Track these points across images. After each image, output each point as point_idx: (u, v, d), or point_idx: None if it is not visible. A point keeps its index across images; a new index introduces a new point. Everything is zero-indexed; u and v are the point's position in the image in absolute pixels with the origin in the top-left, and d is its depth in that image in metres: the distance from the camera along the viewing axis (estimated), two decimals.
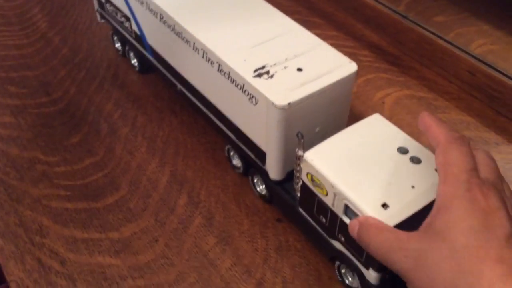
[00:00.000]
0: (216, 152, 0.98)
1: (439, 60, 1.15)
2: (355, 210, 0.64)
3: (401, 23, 1.21)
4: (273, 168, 0.79)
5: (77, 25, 1.31)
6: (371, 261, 0.65)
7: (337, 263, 0.74)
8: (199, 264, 0.81)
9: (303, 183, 0.72)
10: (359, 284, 0.71)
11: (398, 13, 1.22)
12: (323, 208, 0.69)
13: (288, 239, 0.84)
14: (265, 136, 0.76)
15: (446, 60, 1.13)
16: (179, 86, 0.97)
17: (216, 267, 0.81)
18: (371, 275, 0.66)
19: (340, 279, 0.75)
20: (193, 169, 0.95)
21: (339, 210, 0.67)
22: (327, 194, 0.67)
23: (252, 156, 0.83)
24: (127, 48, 1.13)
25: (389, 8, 1.24)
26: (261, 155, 0.80)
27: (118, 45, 1.18)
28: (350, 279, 0.74)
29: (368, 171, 0.66)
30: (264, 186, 0.86)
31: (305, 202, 0.74)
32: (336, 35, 1.29)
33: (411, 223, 0.61)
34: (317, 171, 0.67)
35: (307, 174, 0.69)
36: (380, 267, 0.64)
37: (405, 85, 1.14)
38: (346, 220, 0.66)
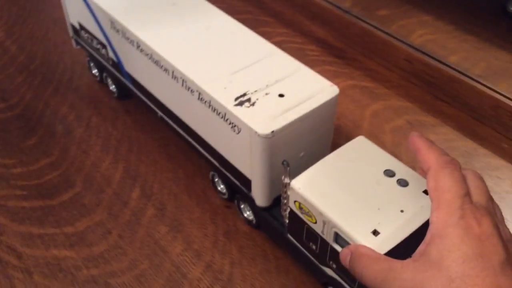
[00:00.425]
0: (169, 147, 1.02)
1: (380, 51, 1.21)
2: (346, 238, 0.63)
3: (345, 18, 1.27)
4: (259, 195, 0.78)
5: (33, 33, 1.35)
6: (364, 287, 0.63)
7: None
8: (151, 251, 0.85)
9: (291, 210, 0.70)
10: None
11: (341, 9, 1.28)
12: (313, 236, 0.68)
13: (236, 223, 0.89)
14: (250, 164, 0.75)
15: (386, 51, 1.20)
16: (160, 113, 0.95)
17: (167, 253, 0.85)
18: None
19: None
20: (146, 164, 0.99)
21: (329, 238, 0.65)
22: (316, 222, 0.66)
23: (238, 183, 0.81)
24: (104, 74, 1.11)
25: (333, 5, 1.30)
26: (247, 182, 0.78)
27: (95, 71, 1.15)
28: None
29: (356, 196, 0.65)
30: (251, 212, 0.85)
31: (294, 229, 0.73)
32: (286, 32, 1.34)
33: (403, 248, 0.61)
34: (305, 200, 0.66)
35: (294, 202, 0.68)
36: None
37: (349, 76, 1.20)
38: (337, 247, 0.65)
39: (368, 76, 1.20)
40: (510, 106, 1.01)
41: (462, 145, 1.03)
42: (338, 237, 0.64)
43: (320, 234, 0.67)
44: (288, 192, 0.69)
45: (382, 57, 1.21)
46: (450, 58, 1.14)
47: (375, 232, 0.61)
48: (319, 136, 0.78)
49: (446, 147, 1.01)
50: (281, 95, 0.74)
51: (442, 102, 1.11)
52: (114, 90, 1.11)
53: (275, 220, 0.78)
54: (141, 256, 0.85)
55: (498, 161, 0.99)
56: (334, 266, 0.68)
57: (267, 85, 0.76)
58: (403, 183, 0.67)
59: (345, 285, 0.68)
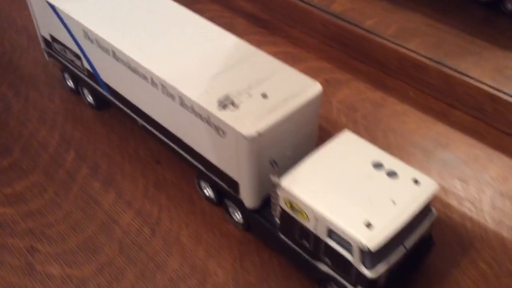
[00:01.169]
0: (104, 115, 1.09)
1: (302, 20, 1.30)
2: (339, 233, 0.64)
3: None
4: (248, 197, 0.77)
5: None
6: (360, 282, 0.66)
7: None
8: (85, 204, 0.92)
9: (282, 210, 0.70)
10: None
11: None
12: (306, 233, 0.69)
13: (166, 176, 0.97)
14: (237, 166, 0.74)
15: (307, 19, 1.29)
16: (140, 122, 0.94)
17: (100, 204, 0.92)
18: None
19: None
20: (81, 131, 1.06)
21: (322, 234, 0.66)
22: (308, 219, 0.67)
23: (225, 186, 0.81)
24: (80, 85, 1.10)
25: None
26: (234, 185, 0.78)
27: (69, 82, 1.12)
28: None
29: (347, 191, 0.66)
30: (240, 216, 0.84)
31: (286, 228, 0.73)
32: (216, 8, 1.43)
33: (397, 238, 0.64)
34: (295, 198, 0.66)
35: (285, 201, 0.69)
36: (370, 284, 0.66)
37: (274, 44, 1.29)
38: (331, 243, 0.66)
39: (291, 43, 1.29)
40: (413, 58, 1.11)
41: (372, 96, 1.12)
42: (331, 232, 0.65)
43: (313, 231, 0.67)
44: (278, 192, 0.69)
45: (304, 25, 1.30)
46: (366, 22, 1.24)
47: (369, 225, 0.63)
48: (305, 133, 0.78)
49: (359, 99, 1.12)
50: (264, 96, 0.73)
51: (356, 60, 1.21)
52: (92, 101, 1.09)
53: (266, 221, 0.77)
54: (75, 208, 0.91)
55: (404, 107, 1.09)
56: (329, 261, 0.69)
57: (249, 86, 0.75)
58: (392, 174, 0.68)
59: (340, 279, 0.69)
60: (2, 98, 1.14)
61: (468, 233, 0.85)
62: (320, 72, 1.19)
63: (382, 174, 0.70)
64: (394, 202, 0.66)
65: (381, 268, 0.66)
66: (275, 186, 0.71)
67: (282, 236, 0.76)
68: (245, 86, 0.75)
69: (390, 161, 0.72)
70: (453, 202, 0.90)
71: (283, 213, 0.73)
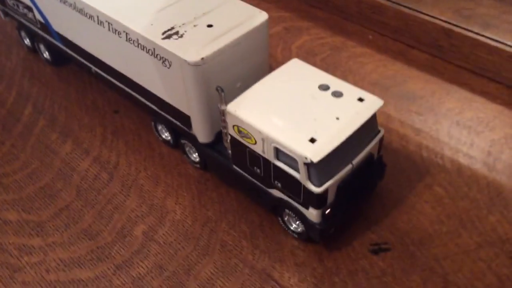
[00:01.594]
0: (62, 70, 1.07)
1: None
2: (285, 151, 0.64)
3: None
4: (200, 131, 0.77)
5: None
6: (309, 200, 0.67)
7: (280, 218, 0.76)
8: (42, 154, 0.91)
9: (232, 137, 0.71)
10: (304, 227, 0.72)
11: None
12: (255, 158, 0.70)
13: (124, 124, 0.96)
14: (186, 99, 0.74)
15: None
16: (94, 68, 0.93)
17: (57, 153, 0.91)
18: (312, 214, 0.68)
19: (286, 228, 0.76)
20: (39, 86, 1.05)
21: (270, 156, 0.67)
22: (256, 143, 0.67)
23: (178, 123, 0.81)
24: (36, 42, 1.08)
25: None
26: (186, 120, 0.78)
27: (27, 40, 1.12)
28: (294, 225, 0.74)
29: (292, 111, 0.67)
30: (196, 154, 0.85)
31: (237, 157, 0.74)
32: None
33: (341, 151, 0.65)
34: (242, 121, 0.67)
35: (233, 126, 0.69)
36: (319, 204, 0.67)
37: None
38: (279, 164, 0.67)
39: None
40: (371, 0, 1.11)
41: (332, 40, 1.12)
42: (278, 153, 0.66)
43: (262, 154, 0.68)
44: (226, 119, 0.69)
45: None
46: None
47: (312, 140, 0.63)
48: (254, 64, 0.77)
49: (318, 44, 1.12)
50: (209, 26, 0.73)
51: (315, 8, 1.21)
52: (48, 57, 1.08)
53: (219, 155, 0.78)
54: (32, 158, 0.91)
55: (363, 50, 1.10)
56: (279, 184, 0.70)
57: (194, 18, 0.75)
58: (337, 94, 0.69)
59: (292, 202, 0.70)
60: None
61: (424, 161, 0.86)
62: (279, 21, 1.19)
63: (327, 95, 0.70)
64: (338, 119, 0.67)
65: (328, 184, 0.66)
66: (222, 113, 0.71)
67: (236, 167, 0.77)
68: (191, 18, 0.75)
69: (337, 83, 0.72)
70: (410, 133, 0.91)
71: (233, 140, 0.73)
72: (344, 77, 1.02)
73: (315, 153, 0.63)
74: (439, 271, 0.72)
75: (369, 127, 0.70)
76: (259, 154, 0.70)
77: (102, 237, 0.79)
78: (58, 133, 0.95)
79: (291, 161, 0.66)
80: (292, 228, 0.76)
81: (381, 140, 0.73)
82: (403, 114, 0.94)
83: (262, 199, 0.77)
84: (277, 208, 0.75)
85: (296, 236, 0.76)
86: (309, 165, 0.64)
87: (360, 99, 0.69)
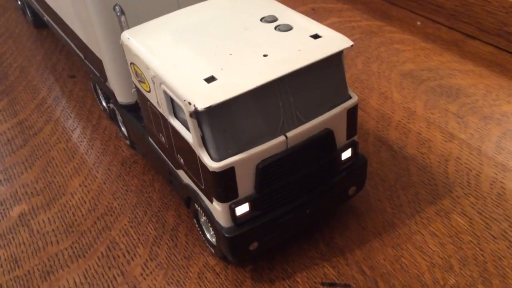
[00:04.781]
0: (41, 33, 0.93)
1: None
2: (173, 96, 0.42)
3: None
4: (115, 83, 0.57)
5: None
6: (209, 185, 0.43)
7: (195, 220, 0.52)
8: None
9: (135, 86, 0.51)
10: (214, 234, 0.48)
11: None
12: (157, 118, 0.48)
13: (73, 90, 0.78)
14: (92, 29, 0.56)
15: None
16: (46, 17, 0.80)
17: None
18: (216, 210, 0.44)
19: (203, 236, 0.52)
20: (9, 46, 0.91)
21: (165, 110, 0.45)
22: (150, 90, 0.47)
23: (97, 73, 0.63)
24: (23, 2, 0.97)
25: None
26: (101, 67, 0.59)
27: (20, 2, 1.01)
28: (210, 231, 0.49)
29: (203, 45, 0.45)
30: (124, 129, 0.65)
31: (147, 119, 0.52)
32: None
33: (263, 110, 0.42)
34: (133, 53, 0.47)
35: (131, 65, 0.49)
36: (223, 192, 0.42)
37: None
38: (176, 124, 0.45)
39: None
40: None
41: (366, 24, 0.86)
42: (174, 104, 0.44)
43: (158, 108, 0.47)
44: (125, 53, 0.50)
45: None
46: None
47: (210, 79, 0.40)
48: None
49: (347, 27, 0.87)
50: None
51: None
52: (30, 18, 0.95)
53: (137, 121, 0.57)
54: None
55: (403, 36, 0.82)
56: (182, 160, 0.48)
57: None
58: (283, 28, 0.46)
59: (198, 190, 0.47)
60: None
61: (448, 177, 0.56)
62: (308, 1, 0.95)
63: (268, 28, 0.45)
64: (265, 56, 0.41)
65: (236, 158, 0.40)
66: (122, 45, 0.49)
67: (149, 139, 0.54)
68: None
69: (292, 18, 0.47)
70: (437, 139, 0.61)
71: (138, 93, 0.50)
72: (366, 64, 0.76)
73: (207, 97, 0.38)
74: None
75: (325, 82, 0.43)
76: (157, 109, 0.47)
77: None
78: None
79: (182, 113, 0.42)
80: (208, 236, 0.50)
81: (353, 112, 0.45)
82: (434, 113, 0.65)
83: (175, 187, 0.53)
84: (189, 202, 0.50)
85: (212, 250, 0.50)
86: (198, 117, 0.39)
87: (315, 36, 0.43)
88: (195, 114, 0.39)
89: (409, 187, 0.55)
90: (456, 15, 0.80)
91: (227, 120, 0.40)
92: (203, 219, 0.49)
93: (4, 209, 0.58)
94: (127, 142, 0.64)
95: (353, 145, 0.47)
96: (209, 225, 0.47)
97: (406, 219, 0.52)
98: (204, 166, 0.41)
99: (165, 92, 0.43)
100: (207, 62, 0.42)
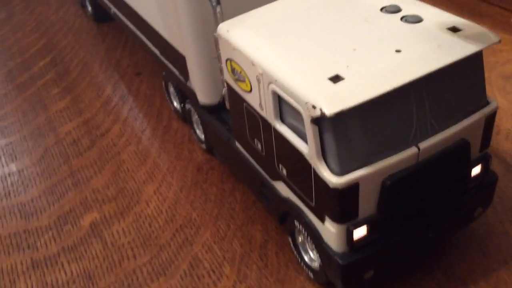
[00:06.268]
0: (102, 27, 0.89)
1: None
2: (287, 98, 0.35)
3: None
4: (199, 83, 0.52)
5: None
6: (324, 203, 0.37)
7: (290, 239, 0.45)
8: (29, 108, 0.71)
9: (228, 87, 0.45)
10: (320, 260, 0.41)
11: None
12: (255, 122, 0.42)
13: (140, 88, 0.73)
14: (177, 24, 0.50)
15: None
16: (113, 9, 0.76)
17: (47, 109, 0.70)
18: (329, 232, 0.38)
19: (298, 257, 0.45)
20: (69, 40, 0.87)
21: (270, 113, 0.39)
22: (251, 90, 0.40)
23: (176, 72, 0.57)
24: None
25: None
26: (183, 64, 0.53)
27: None
28: (309, 254, 0.44)
29: (319, 38, 0.38)
30: (201, 129, 0.58)
31: (237, 123, 0.46)
32: None
33: (395, 118, 0.35)
34: (233, 47, 0.41)
35: (227, 62, 0.43)
36: (341, 212, 0.36)
37: None
38: (283, 130, 0.38)
39: None
40: None
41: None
42: (282, 106, 0.38)
43: (259, 112, 0.40)
44: (219, 49, 0.44)
45: None
46: None
47: (336, 78, 0.34)
48: None
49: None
50: None
51: None
52: (91, 12, 0.92)
53: (221, 125, 0.51)
54: (16, 111, 0.71)
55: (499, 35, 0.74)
56: (284, 171, 0.40)
57: None
58: (412, 19, 0.39)
59: (302, 207, 0.40)
60: (10, 9, 1.00)
61: None
62: None
63: (393, 19, 0.39)
64: (398, 51, 0.35)
65: (361, 172, 0.34)
66: (216, 41, 0.43)
67: (238, 144, 0.48)
68: None
69: (417, 7, 0.40)
70: None
71: (230, 92, 0.45)
72: None
73: (335, 100, 0.32)
74: None
75: (463, 84, 0.37)
76: (257, 112, 0.41)
77: (38, 219, 0.54)
78: (62, 88, 0.75)
79: (298, 121, 0.36)
80: (306, 259, 0.44)
81: (491, 121, 0.38)
82: None
83: (268, 200, 0.46)
84: (285, 218, 0.44)
85: (311, 275, 0.44)
86: (321, 123, 0.33)
87: (454, 29, 0.37)
88: (319, 119, 0.33)
89: None
90: None
91: (354, 127, 0.33)
92: (301, 239, 0.44)
93: (74, 217, 0.54)
94: (203, 146, 0.59)
95: (486, 159, 0.40)
96: (313, 247, 0.41)
97: None
98: (320, 181, 0.35)
99: (274, 93, 0.37)
100: (328, 58, 0.35)
